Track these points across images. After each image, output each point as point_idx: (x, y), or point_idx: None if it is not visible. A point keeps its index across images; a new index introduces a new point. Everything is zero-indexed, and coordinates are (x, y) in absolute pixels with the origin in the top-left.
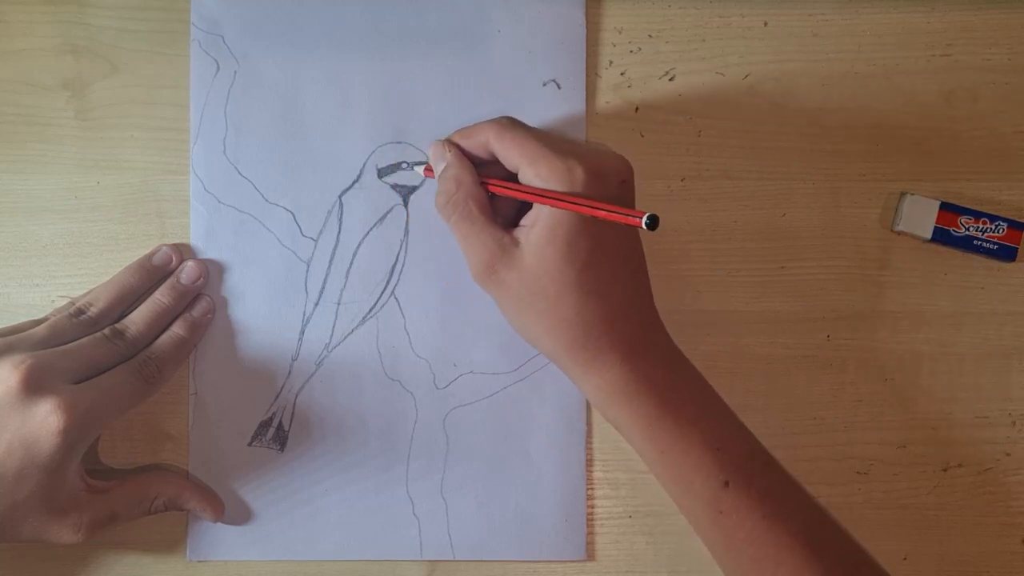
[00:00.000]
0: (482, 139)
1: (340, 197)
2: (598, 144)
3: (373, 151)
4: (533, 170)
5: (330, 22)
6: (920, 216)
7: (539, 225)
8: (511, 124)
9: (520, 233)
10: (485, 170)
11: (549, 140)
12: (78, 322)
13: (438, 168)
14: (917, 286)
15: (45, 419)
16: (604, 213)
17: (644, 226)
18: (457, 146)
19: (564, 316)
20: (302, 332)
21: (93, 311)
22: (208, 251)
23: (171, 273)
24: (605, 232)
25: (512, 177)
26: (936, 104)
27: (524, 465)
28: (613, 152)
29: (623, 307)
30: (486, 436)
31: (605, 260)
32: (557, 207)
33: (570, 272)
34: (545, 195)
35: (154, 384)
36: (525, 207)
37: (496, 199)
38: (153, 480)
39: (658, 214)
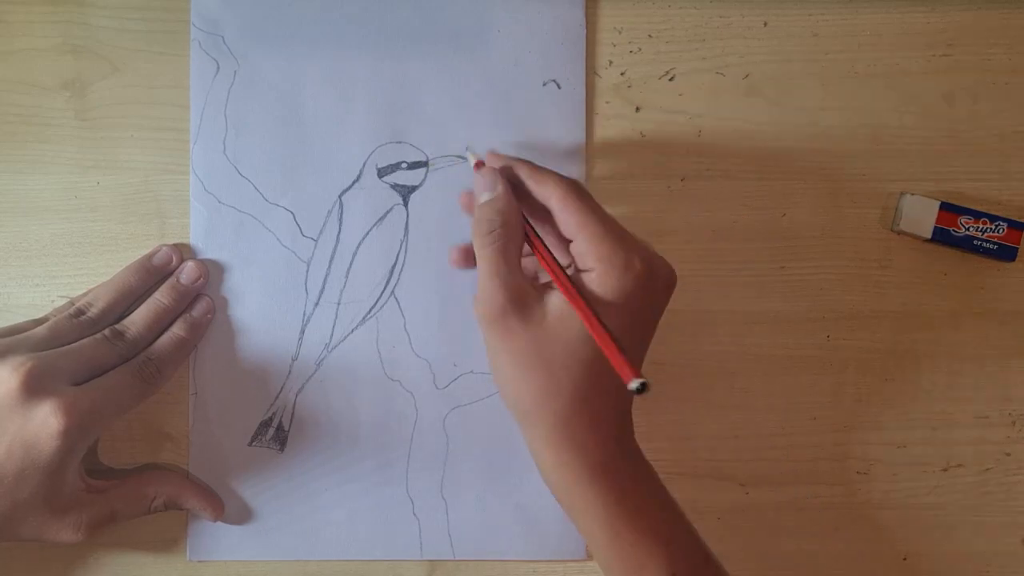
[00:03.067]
0: (545, 193)
1: (340, 197)
2: (648, 243)
3: (373, 151)
4: (592, 248)
5: (330, 22)
6: (920, 216)
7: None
8: (579, 193)
9: (545, 291)
10: (521, 204)
11: (612, 224)
12: (78, 322)
13: (483, 194)
14: (917, 286)
15: (45, 421)
16: (608, 350)
17: (633, 390)
18: (506, 180)
19: (561, 387)
20: (302, 332)
21: (93, 311)
22: (208, 251)
23: (171, 273)
24: (637, 310)
25: (543, 215)
26: (936, 104)
27: (524, 465)
28: (662, 257)
29: (616, 392)
30: (486, 436)
31: (626, 341)
32: (571, 303)
33: (588, 349)
34: (571, 286)
35: (154, 384)
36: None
37: None
38: (153, 479)
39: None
